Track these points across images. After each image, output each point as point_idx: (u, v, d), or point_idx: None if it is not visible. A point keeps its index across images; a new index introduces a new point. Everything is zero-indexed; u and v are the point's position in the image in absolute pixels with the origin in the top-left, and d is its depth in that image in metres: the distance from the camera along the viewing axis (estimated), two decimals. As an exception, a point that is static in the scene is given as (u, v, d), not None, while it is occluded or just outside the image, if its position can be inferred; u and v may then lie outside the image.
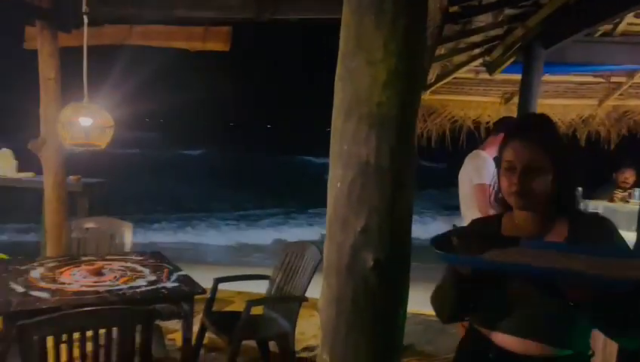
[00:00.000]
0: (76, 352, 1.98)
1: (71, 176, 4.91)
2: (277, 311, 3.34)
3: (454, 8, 3.16)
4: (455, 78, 5.62)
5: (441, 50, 4.38)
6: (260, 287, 3.71)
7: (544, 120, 1.40)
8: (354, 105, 1.38)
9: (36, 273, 2.81)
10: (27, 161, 4.99)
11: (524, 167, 1.32)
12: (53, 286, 2.61)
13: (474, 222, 1.54)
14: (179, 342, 3.51)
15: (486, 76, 5.38)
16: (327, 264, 1.68)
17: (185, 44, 4.93)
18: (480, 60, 4.85)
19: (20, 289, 2.54)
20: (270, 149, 35.92)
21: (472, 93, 6.55)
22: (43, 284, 2.63)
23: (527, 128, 1.37)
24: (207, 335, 3.31)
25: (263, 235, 12.20)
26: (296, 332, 3.19)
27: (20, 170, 5.06)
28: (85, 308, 2.00)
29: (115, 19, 4.59)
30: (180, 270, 3.05)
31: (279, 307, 3.35)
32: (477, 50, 4.65)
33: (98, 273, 2.82)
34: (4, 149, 5.00)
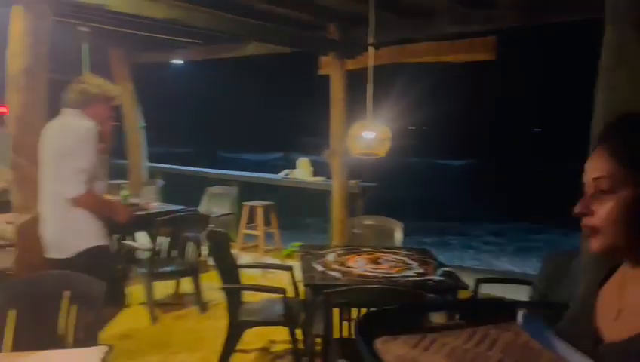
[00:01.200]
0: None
1: (351, 181, 5.72)
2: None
3: None
4: None
5: None
6: (519, 295, 3.74)
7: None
8: (614, 115, 1.46)
9: (330, 257, 3.50)
10: (319, 167, 6.05)
11: (590, 189, 0.88)
12: (342, 269, 3.22)
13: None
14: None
15: None
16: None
17: (452, 57, 5.24)
18: None
19: (319, 268, 3.23)
20: (539, 157, 33.45)
21: None
22: (335, 266, 3.27)
23: (607, 132, 0.91)
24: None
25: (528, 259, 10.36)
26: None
27: (314, 175, 6.14)
28: (374, 286, 2.48)
29: (390, 42, 5.19)
30: (446, 266, 3.36)
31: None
32: None
33: (376, 262, 3.34)
34: (304, 158, 6.16)
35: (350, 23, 4.89)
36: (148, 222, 4.32)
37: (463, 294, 3.24)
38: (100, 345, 2.14)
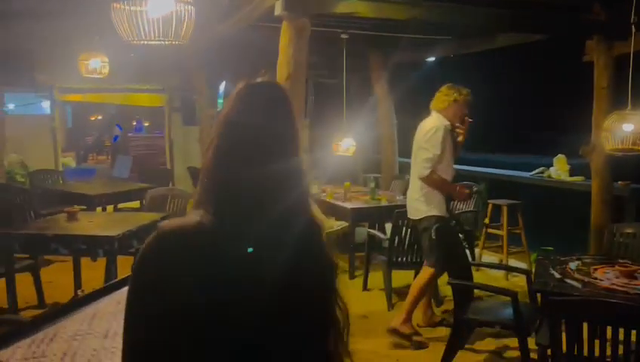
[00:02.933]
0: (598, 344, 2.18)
1: (619, 182, 4.97)
2: None
3: None
4: None
5: None
6: None
7: None
8: None
9: (573, 265, 3.14)
10: (577, 166, 5.42)
11: None
12: (585, 279, 2.86)
13: None
14: None
15: None
16: None
17: None
18: None
19: (557, 275, 2.94)
20: None
21: None
22: (577, 276, 2.93)
23: None
24: None
25: None
26: None
27: (571, 174, 5.53)
28: (609, 300, 2.17)
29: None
30: None
31: None
32: None
33: (631, 276, 2.87)
34: (560, 155, 5.59)
35: None
36: (390, 214, 4.56)
37: None
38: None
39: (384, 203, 5.26)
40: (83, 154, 17.47)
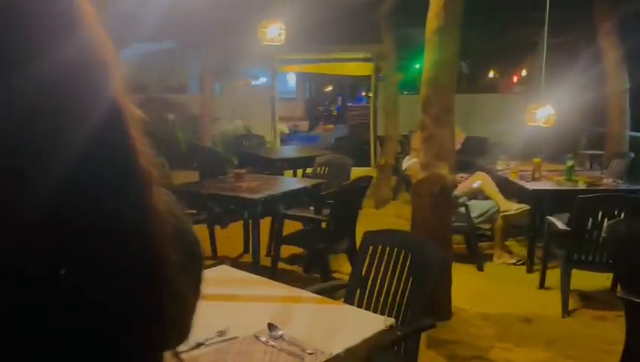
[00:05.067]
0: None
1: None
2: None
3: None
4: None
5: None
6: None
7: None
8: None
9: None
10: None
11: None
12: None
13: None
14: None
15: None
16: None
17: None
18: None
19: None
20: None
21: None
22: None
23: None
24: None
25: None
26: None
27: None
28: None
29: None
30: None
31: None
32: None
33: None
34: None
35: None
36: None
37: None
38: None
39: (581, 185, 4.26)
40: (312, 123, 19.02)
